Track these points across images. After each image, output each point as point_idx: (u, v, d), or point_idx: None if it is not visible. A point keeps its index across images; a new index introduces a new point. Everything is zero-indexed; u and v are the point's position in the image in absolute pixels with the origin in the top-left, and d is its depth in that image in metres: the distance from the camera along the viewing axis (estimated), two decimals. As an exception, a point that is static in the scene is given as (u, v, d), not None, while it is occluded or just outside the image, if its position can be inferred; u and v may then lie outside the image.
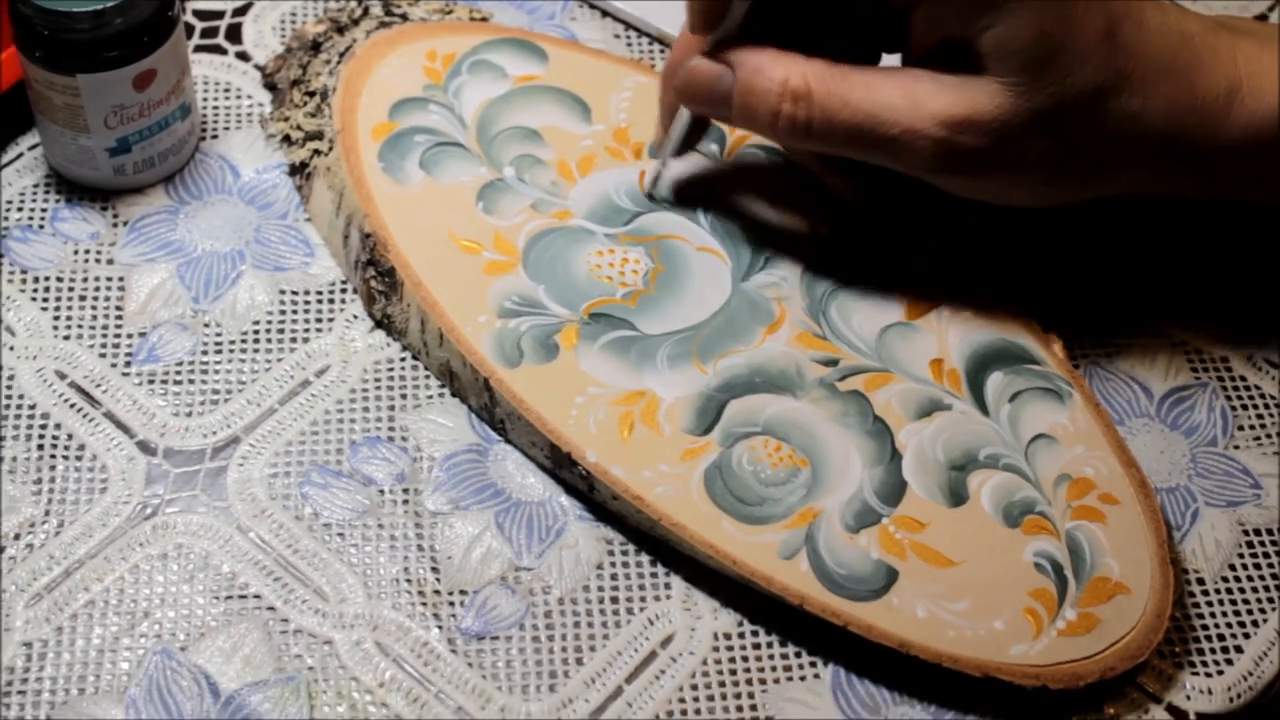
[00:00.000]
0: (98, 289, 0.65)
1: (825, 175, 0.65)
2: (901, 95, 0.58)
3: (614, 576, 0.59)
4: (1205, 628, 0.60)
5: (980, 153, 0.58)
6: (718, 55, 0.60)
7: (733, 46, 0.60)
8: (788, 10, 0.60)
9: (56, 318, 0.64)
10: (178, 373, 0.63)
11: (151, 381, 0.63)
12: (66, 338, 0.64)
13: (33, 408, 0.62)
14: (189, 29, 0.74)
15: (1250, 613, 0.60)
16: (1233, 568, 0.61)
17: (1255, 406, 0.66)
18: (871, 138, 0.58)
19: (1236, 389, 0.66)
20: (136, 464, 0.61)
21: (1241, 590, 0.61)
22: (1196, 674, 0.59)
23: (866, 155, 0.60)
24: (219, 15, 0.75)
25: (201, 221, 0.68)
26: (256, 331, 0.65)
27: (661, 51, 0.75)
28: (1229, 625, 0.60)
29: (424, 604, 0.58)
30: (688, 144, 0.65)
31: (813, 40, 0.59)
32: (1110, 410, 0.65)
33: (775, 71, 0.58)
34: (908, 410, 0.61)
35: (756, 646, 0.58)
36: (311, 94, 0.69)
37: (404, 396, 0.63)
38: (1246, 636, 0.59)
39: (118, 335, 0.64)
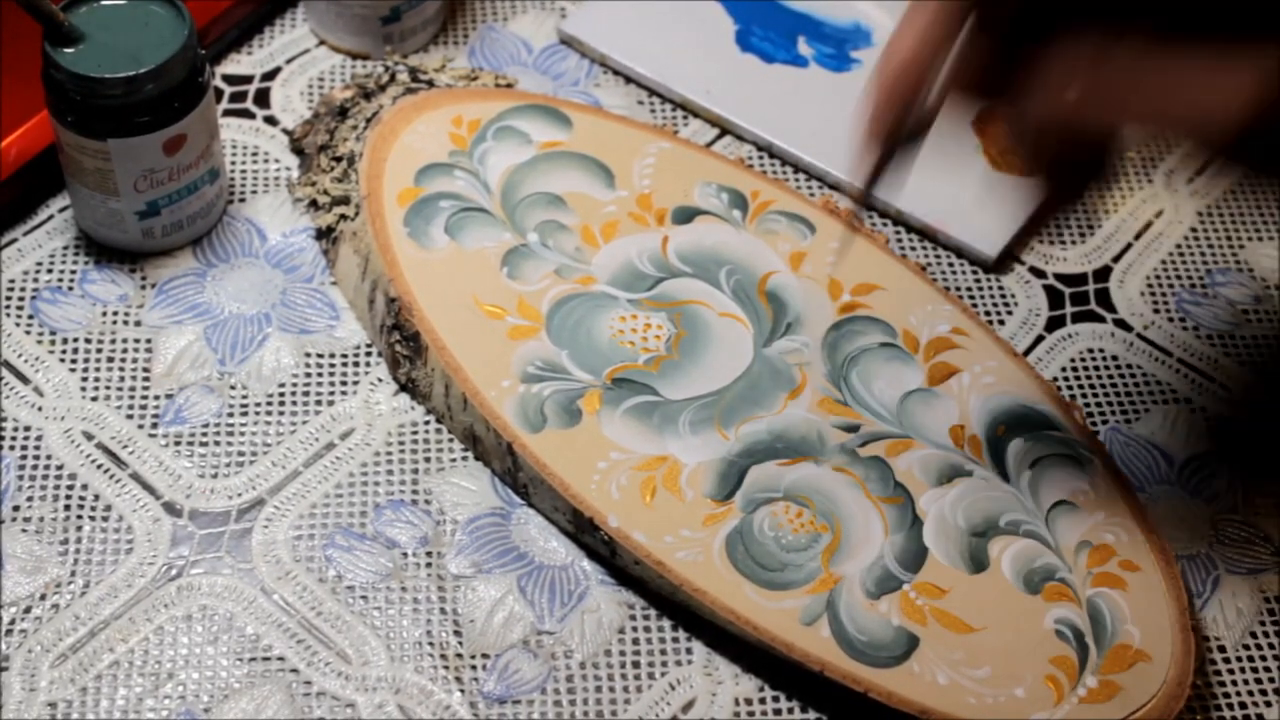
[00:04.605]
0: (125, 351, 0.66)
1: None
2: None
3: (635, 641, 0.60)
4: (1227, 695, 0.60)
5: None
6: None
7: None
8: None
9: (84, 379, 0.65)
10: (204, 434, 0.64)
11: (178, 443, 0.64)
12: (94, 399, 0.64)
13: (60, 468, 0.62)
14: (218, 93, 0.75)
15: (1272, 680, 0.60)
16: (1254, 635, 0.61)
17: (1275, 473, 0.66)
18: None
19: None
20: (162, 525, 0.61)
21: (1264, 658, 0.61)
22: (1218, 743, 0.59)
23: None
24: (248, 80, 0.76)
25: (228, 284, 0.68)
26: (282, 394, 0.65)
27: (684, 118, 0.76)
28: (1250, 694, 0.60)
29: (446, 667, 0.58)
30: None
31: None
32: (1131, 477, 0.65)
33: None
34: (929, 476, 0.62)
35: (778, 712, 0.58)
36: (338, 159, 0.70)
37: (428, 460, 0.64)
38: (1269, 704, 0.59)
39: (145, 397, 0.65)
